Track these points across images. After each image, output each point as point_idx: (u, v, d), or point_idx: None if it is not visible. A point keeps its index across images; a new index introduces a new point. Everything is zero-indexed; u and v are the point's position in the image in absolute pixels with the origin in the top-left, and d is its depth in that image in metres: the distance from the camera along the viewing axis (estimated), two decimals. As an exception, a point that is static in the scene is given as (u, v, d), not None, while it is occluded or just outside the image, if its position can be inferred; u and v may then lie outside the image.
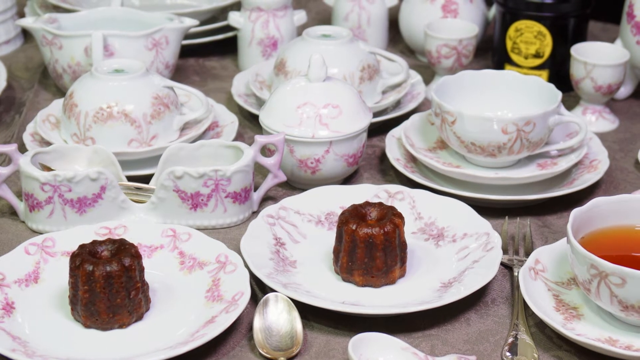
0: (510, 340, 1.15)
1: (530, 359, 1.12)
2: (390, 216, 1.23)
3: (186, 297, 1.22)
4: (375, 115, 1.59)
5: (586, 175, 1.44)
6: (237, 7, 1.94)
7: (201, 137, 1.53)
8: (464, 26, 1.73)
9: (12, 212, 1.40)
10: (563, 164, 1.43)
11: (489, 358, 1.14)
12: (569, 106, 1.67)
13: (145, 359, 1.09)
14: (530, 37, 1.71)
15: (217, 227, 1.37)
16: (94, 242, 1.18)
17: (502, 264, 1.30)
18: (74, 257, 1.16)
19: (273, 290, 1.20)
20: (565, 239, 1.23)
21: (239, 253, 1.26)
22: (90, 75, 1.48)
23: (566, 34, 1.71)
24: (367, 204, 1.26)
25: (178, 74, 1.82)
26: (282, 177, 1.41)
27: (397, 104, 1.66)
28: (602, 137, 1.61)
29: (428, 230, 1.34)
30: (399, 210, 1.32)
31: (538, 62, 1.72)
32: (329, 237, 1.31)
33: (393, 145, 1.50)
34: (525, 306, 1.21)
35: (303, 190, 1.42)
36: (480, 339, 1.17)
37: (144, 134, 1.46)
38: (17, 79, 1.80)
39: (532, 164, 1.46)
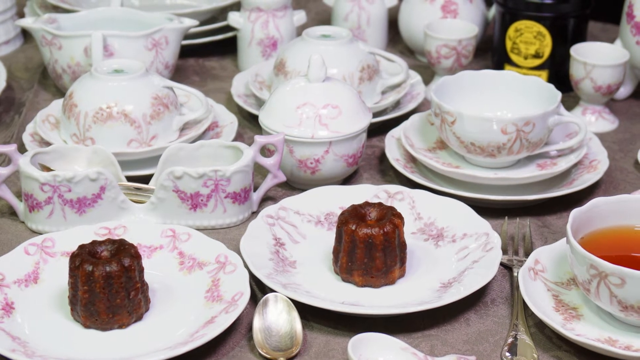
0: (509, 340, 1.15)
1: (529, 359, 1.12)
2: (389, 216, 1.23)
3: (186, 297, 1.22)
4: (375, 115, 1.59)
5: (586, 175, 1.44)
6: (236, 7, 1.94)
7: (201, 137, 1.53)
8: (463, 26, 1.73)
9: (12, 213, 1.40)
10: (563, 164, 1.43)
11: (488, 358, 1.14)
12: (568, 106, 1.67)
13: (145, 359, 1.09)
14: (529, 37, 1.71)
15: (217, 228, 1.37)
16: (94, 243, 1.18)
17: (501, 264, 1.30)
18: (73, 257, 1.16)
19: (273, 291, 1.20)
20: (564, 239, 1.23)
21: (239, 253, 1.26)
22: (89, 75, 1.48)
23: (566, 34, 1.71)
24: (367, 204, 1.26)
25: (178, 74, 1.82)
26: (282, 178, 1.41)
27: (397, 104, 1.66)
28: (602, 137, 1.61)
29: (428, 230, 1.34)
30: (399, 210, 1.31)
31: (538, 62, 1.72)
32: (329, 238, 1.31)
33: (392, 145, 1.50)
34: (525, 306, 1.21)
35: (303, 190, 1.42)
36: (479, 339, 1.17)
37: (143, 134, 1.46)
38: (17, 79, 1.79)
39: (532, 164, 1.46)
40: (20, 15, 1.99)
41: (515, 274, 1.27)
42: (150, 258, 1.27)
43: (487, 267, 1.23)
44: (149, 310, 1.20)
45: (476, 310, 1.22)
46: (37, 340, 1.14)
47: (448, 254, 1.30)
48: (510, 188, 1.44)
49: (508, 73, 1.51)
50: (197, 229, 1.35)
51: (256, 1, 1.75)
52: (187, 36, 1.85)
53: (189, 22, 1.69)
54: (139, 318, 1.18)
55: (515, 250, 1.32)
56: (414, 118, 1.54)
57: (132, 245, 1.18)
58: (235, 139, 1.55)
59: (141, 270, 1.18)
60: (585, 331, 1.15)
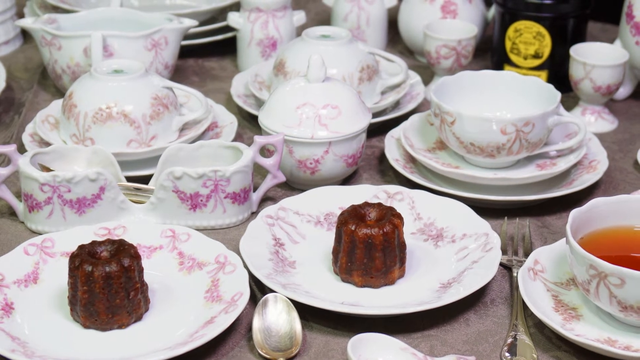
0: (509, 340, 1.15)
1: (529, 359, 1.12)
2: (389, 217, 1.23)
3: (185, 297, 1.22)
4: (375, 115, 1.59)
5: (585, 175, 1.44)
6: (236, 7, 1.94)
7: (200, 137, 1.53)
8: (463, 27, 1.73)
9: (12, 213, 1.40)
10: (562, 165, 1.43)
11: (488, 358, 1.14)
12: (568, 107, 1.67)
13: (145, 359, 1.09)
14: (529, 37, 1.71)
15: (217, 228, 1.37)
16: (93, 243, 1.18)
17: (501, 264, 1.30)
18: (73, 257, 1.16)
19: (272, 291, 1.20)
20: (564, 239, 1.23)
21: (238, 254, 1.26)
22: (89, 75, 1.48)
23: (565, 35, 1.71)
24: (366, 204, 1.26)
25: (177, 74, 1.82)
26: (282, 178, 1.41)
27: (396, 105, 1.66)
28: (601, 137, 1.61)
29: (427, 230, 1.34)
30: (398, 210, 1.32)
31: (537, 62, 1.72)
32: (328, 238, 1.31)
33: (392, 145, 1.50)
34: (525, 307, 1.21)
35: (302, 190, 1.42)
36: (479, 339, 1.17)
37: (143, 134, 1.46)
38: (17, 79, 1.80)
39: (531, 165, 1.46)
40: (20, 15, 1.99)
41: (514, 274, 1.27)
42: (150, 258, 1.27)
43: (486, 267, 1.23)
44: (148, 310, 1.20)
45: (476, 310, 1.22)
46: (36, 341, 1.14)
47: (447, 254, 1.30)
48: (510, 188, 1.44)
49: (507, 73, 1.51)
50: (197, 229, 1.35)
51: (256, 1, 1.75)
52: (187, 36, 1.85)
53: (189, 23, 1.69)
54: (138, 318, 1.18)
55: (515, 251, 1.32)
56: (413, 118, 1.54)
57: (131, 246, 1.18)
58: (234, 139, 1.55)
59: (141, 270, 1.18)
60: (585, 331, 1.15)
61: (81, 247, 1.17)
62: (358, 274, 1.23)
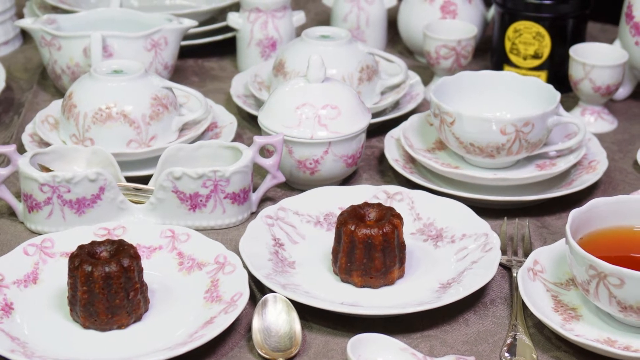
0: (509, 340, 1.15)
1: (528, 359, 1.12)
2: (389, 217, 1.23)
3: (185, 297, 1.22)
4: (374, 116, 1.59)
5: (585, 176, 1.44)
6: (236, 7, 1.94)
7: (200, 137, 1.53)
8: (462, 27, 1.73)
9: (11, 213, 1.40)
10: (562, 165, 1.43)
11: (487, 359, 1.14)
12: (567, 107, 1.67)
13: (144, 359, 1.09)
14: (529, 37, 1.71)
15: (216, 228, 1.37)
16: (93, 243, 1.18)
17: (500, 264, 1.30)
18: (72, 257, 1.16)
19: (272, 291, 1.20)
20: (564, 239, 1.23)
21: (238, 254, 1.26)
22: (89, 76, 1.48)
23: (565, 35, 1.71)
24: (366, 204, 1.26)
25: (177, 74, 1.82)
26: (281, 178, 1.41)
27: (396, 105, 1.66)
28: (601, 137, 1.61)
29: (427, 231, 1.34)
30: (398, 211, 1.32)
31: (537, 62, 1.73)
32: (328, 238, 1.31)
33: (392, 146, 1.50)
34: (524, 307, 1.21)
35: (302, 191, 1.42)
36: (479, 339, 1.17)
37: (142, 134, 1.46)
38: (16, 79, 1.80)
39: (531, 165, 1.46)
40: (20, 15, 1.99)
41: (514, 274, 1.27)
42: (150, 258, 1.27)
43: (486, 267, 1.23)
44: (148, 310, 1.20)
45: (475, 310, 1.22)
46: (36, 341, 1.14)
47: (447, 254, 1.30)
48: (510, 188, 1.44)
49: (507, 73, 1.51)
50: (197, 230, 1.35)
51: (255, 2, 1.75)
52: (187, 37, 1.85)
53: (188, 23, 1.69)
54: (138, 318, 1.18)
55: (515, 251, 1.32)
56: (413, 118, 1.54)
57: (131, 246, 1.18)
58: (234, 140, 1.55)
59: (140, 270, 1.18)
60: (585, 331, 1.15)
61: (81, 247, 1.17)
62: (357, 274, 1.23)
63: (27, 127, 1.52)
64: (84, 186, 1.32)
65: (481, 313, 1.22)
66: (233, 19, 1.78)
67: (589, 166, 1.46)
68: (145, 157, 1.46)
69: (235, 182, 1.35)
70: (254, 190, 1.42)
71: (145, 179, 1.44)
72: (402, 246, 1.24)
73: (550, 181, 1.46)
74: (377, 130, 1.62)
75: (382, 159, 1.56)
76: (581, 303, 1.20)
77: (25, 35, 1.96)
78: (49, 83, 1.77)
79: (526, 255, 1.31)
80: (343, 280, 1.25)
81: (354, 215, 1.24)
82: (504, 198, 1.39)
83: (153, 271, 1.25)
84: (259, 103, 1.64)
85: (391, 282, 1.24)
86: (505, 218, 1.38)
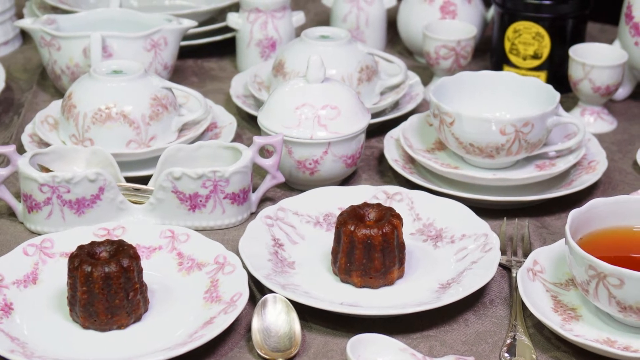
0: (508, 341, 1.15)
1: (528, 359, 1.12)
2: (388, 217, 1.23)
3: (185, 298, 1.22)
4: (374, 116, 1.59)
5: (584, 176, 1.44)
6: (235, 8, 1.94)
7: (200, 138, 1.53)
8: (462, 27, 1.73)
9: (11, 213, 1.40)
10: (561, 165, 1.43)
11: (487, 359, 1.14)
12: (567, 107, 1.67)
13: (144, 359, 1.09)
14: (528, 38, 1.71)
15: (216, 228, 1.37)
16: (93, 243, 1.18)
17: (500, 265, 1.30)
18: (72, 258, 1.16)
19: (271, 291, 1.20)
20: (563, 240, 1.23)
21: (238, 254, 1.26)
22: (88, 76, 1.48)
23: (564, 35, 1.71)
24: (366, 205, 1.26)
25: (176, 75, 1.82)
26: (281, 178, 1.41)
27: (396, 105, 1.66)
28: (601, 138, 1.61)
29: (426, 231, 1.34)
30: (398, 211, 1.32)
31: (536, 63, 1.73)
32: (328, 238, 1.31)
33: (391, 146, 1.50)
34: (524, 307, 1.21)
35: (301, 191, 1.42)
36: (478, 339, 1.18)
37: (142, 135, 1.46)
38: (16, 80, 1.80)
39: (531, 165, 1.46)
40: (19, 16, 1.99)
41: (514, 274, 1.27)
42: (149, 259, 1.27)
43: (485, 267, 1.23)
44: (147, 311, 1.20)
45: (475, 311, 1.22)
46: (36, 341, 1.14)
47: (447, 254, 1.30)
48: (509, 189, 1.44)
49: (507, 74, 1.51)
50: (196, 230, 1.35)
51: (255, 2, 1.75)
52: (186, 37, 1.85)
53: (188, 23, 1.69)
54: (137, 319, 1.18)
55: (514, 251, 1.32)
56: (412, 119, 1.54)
57: (130, 246, 1.18)
58: (234, 140, 1.55)
59: (140, 271, 1.18)
60: (584, 332, 1.15)
61: (80, 247, 1.17)
62: (357, 274, 1.23)
63: (27, 128, 1.52)
64: (83, 186, 1.32)
65: (481, 313, 1.22)
66: (233, 19, 1.78)
67: (589, 166, 1.46)
68: (145, 158, 1.46)
69: (235, 183, 1.35)
70: (254, 190, 1.42)
71: (144, 180, 1.44)
72: (401, 246, 1.24)
73: (549, 181, 1.46)
74: (376, 131, 1.62)
75: (381, 159, 1.56)
76: (581, 303, 1.20)
77: (24, 35, 1.96)
78: (48, 83, 1.77)
79: (526, 255, 1.31)
80: (342, 281, 1.25)
81: (353, 215, 1.24)
82: (503, 198, 1.39)
83: (153, 271, 1.25)
84: (259, 103, 1.64)
85: (391, 283, 1.24)
86: (505, 218, 1.38)
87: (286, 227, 1.33)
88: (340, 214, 1.24)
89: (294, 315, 1.16)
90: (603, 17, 2.07)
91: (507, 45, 1.73)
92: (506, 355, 1.13)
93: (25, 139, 1.50)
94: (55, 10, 1.91)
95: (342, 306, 1.17)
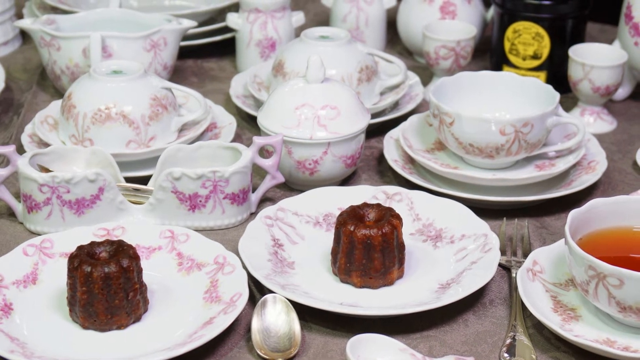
0: (508, 341, 1.15)
1: (528, 360, 1.13)
2: (388, 217, 1.23)
3: (184, 298, 1.22)
4: (374, 116, 1.59)
5: (584, 176, 1.44)
6: (235, 8, 1.94)
7: (199, 138, 1.53)
8: (462, 27, 1.73)
9: (11, 214, 1.40)
10: (561, 165, 1.43)
11: (487, 359, 1.14)
12: (567, 107, 1.67)
13: (144, 360, 1.09)
14: (528, 38, 1.71)
15: (215, 229, 1.37)
16: (92, 244, 1.18)
17: (500, 265, 1.30)
18: (72, 258, 1.16)
19: (271, 292, 1.20)
20: (563, 240, 1.23)
21: (237, 254, 1.26)
22: (88, 76, 1.48)
23: (564, 35, 1.71)
24: (365, 205, 1.26)
25: (176, 75, 1.82)
26: (280, 179, 1.41)
27: (395, 105, 1.66)
28: (600, 138, 1.61)
29: (426, 231, 1.34)
30: (397, 211, 1.32)
31: (536, 63, 1.73)
32: (327, 239, 1.31)
33: (391, 146, 1.50)
34: (523, 307, 1.21)
35: (301, 191, 1.42)
36: (478, 340, 1.18)
37: (142, 135, 1.46)
38: (16, 80, 1.80)
39: (530, 165, 1.46)
40: (19, 16, 1.99)
41: (513, 274, 1.27)
42: (149, 259, 1.27)
43: (485, 268, 1.23)
44: (147, 311, 1.20)
45: (474, 311, 1.22)
46: (35, 341, 1.14)
47: (446, 255, 1.30)
48: (509, 189, 1.44)
49: (506, 74, 1.51)
50: (196, 230, 1.35)
51: (255, 2, 1.75)
52: (186, 37, 1.85)
53: (188, 23, 1.69)
54: (137, 319, 1.18)
55: (514, 251, 1.32)
56: (412, 119, 1.54)
57: (130, 246, 1.18)
58: (233, 140, 1.55)
59: (140, 271, 1.18)
60: (584, 332, 1.15)
61: (80, 247, 1.17)
62: (357, 274, 1.23)
63: (27, 128, 1.52)
64: (83, 187, 1.32)
65: (480, 313, 1.22)
66: (232, 19, 1.78)
67: (588, 167, 1.46)
68: (145, 158, 1.46)
69: (235, 183, 1.35)
70: (254, 190, 1.42)
71: (144, 180, 1.44)
72: (401, 247, 1.24)
73: (549, 182, 1.46)
74: (376, 131, 1.62)
75: (381, 159, 1.56)
76: (580, 303, 1.20)
77: (24, 35, 1.96)
78: (48, 83, 1.77)
79: (525, 255, 1.31)
80: (342, 281, 1.25)
81: (353, 215, 1.24)
82: (503, 198, 1.39)
83: (152, 272, 1.25)
84: (258, 103, 1.64)
85: (390, 283, 1.24)
86: (505, 218, 1.38)
87: (286, 228, 1.33)
88: (340, 214, 1.24)
89: (294, 316, 1.16)
90: (603, 17, 2.07)
91: (507, 45, 1.73)
92: (506, 355, 1.13)
93: (25, 139, 1.50)
94: (55, 10, 1.91)
95: (342, 306, 1.17)
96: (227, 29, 1.89)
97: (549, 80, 1.72)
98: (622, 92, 1.73)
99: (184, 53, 1.88)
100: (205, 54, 1.91)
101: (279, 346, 1.14)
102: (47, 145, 1.49)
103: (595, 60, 1.59)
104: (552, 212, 1.42)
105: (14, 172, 1.35)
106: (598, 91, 1.60)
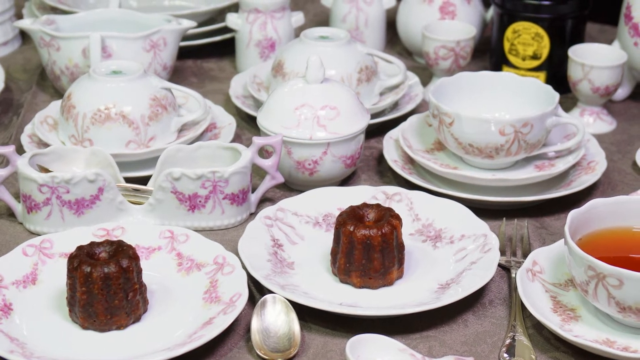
0: (507, 341, 1.15)
1: (527, 360, 1.13)
2: (387, 218, 1.23)
3: (184, 298, 1.22)
4: (373, 116, 1.59)
5: (584, 176, 1.44)
6: (234, 8, 1.94)
7: (199, 138, 1.53)
8: (461, 28, 1.73)
9: (10, 214, 1.40)
10: (560, 166, 1.43)
11: (486, 359, 1.14)
12: (566, 108, 1.67)
13: (143, 360, 1.09)
14: (527, 38, 1.71)
15: (215, 229, 1.37)
16: (92, 244, 1.18)
17: (499, 265, 1.30)
18: (71, 258, 1.16)
19: (271, 292, 1.20)
20: (562, 240, 1.23)
21: (237, 254, 1.26)
22: (88, 76, 1.48)
23: (564, 36, 1.71)
24: (365, 205, 1.26)
25: (176, 75, 1.82)
26: (280, 179, 1.41)
27: (395, 106, 1.66)
28: (600, 138, 1.61)
29: (426, 231, 1.34)
30: (397, 211, 1.32)
31: (535, 63, 1.73)
32: (327, 239, 1.31)
33: (391, 146, 1.50)
34: (523, 307, 1.21)
35: (301, 191, 1.42)
36: (477, 340, 1.18)
37: (141, 135, 1.46)
38: (15, 80, 1.80)
39: (530, 166, 1.46)
40: (19, 16, 1.99)
41: (513, 275, 1.27)
42: (149, 259, 1.27)
43: (485, 268, 1.23)
44: (147, 311, 1.20)
45: (474, 311, 1.22)
46: (35, 342, 1.14)
47: (446, 255, 1.30)
48: (508, 189, 1.44)
49: (506, 74, 1.51)
50: (195, 230, 1.35)
51: (254, 2, 1.75)
52: (185, 37, 1.85)
53: (187, 24, 1.69)
54: (137, 319, 1.18)
55: (513, 252, 1.32)
56: (412, 119, 1.54)
57: (130, 247, 1.18)
58: (233, 140, 1.55)
59: (139, 271, 1.18)
60: (583, 332, 1.15)
61: (80, 248, 1.17)
62: (356, 274, 1.23)
63: (26, 128, 1.52)
64: (83, 187, 1.32)
65: (480, 314, 1.22)
66: (232, 19, 1.78)
67: (588, 167, 1.46)
68: (144, 158, 1.46)
69: (234, 183, 1.35)
70: (253, 191, 1.42)
71: (144, 180, 1.44)
72: (401, 247, 1.24)
73: (549, 182, 1.46)
74: (376, 131, 1.62)
75: (381, 159, 1.56)
76: (580, 304, 1.20)
77: (24, 36, 1.96)
78: (48, 84, 1.77)
79: (525, 255, 1.31)
80: (342, 281, 1.25)
81: (352, 216, 1.24)
82: (502, 199, 1.39)
83: (152, 272, 1.25)
84: (258, 104, 1.64)
85: (390, 283, 1.24)
86: (504, 219, 1.38)
87: (285, 228, 1.33)
88: (340, 215, 1.24)
89: (293, 316, 1.16)
90: (602, 18, 2.07)
91: (507, 45, 1.73)
92: (505, 355, 1.13)
93: (24, 139, 1.50)
94: (55, 10, 1.91)
95: (342, 306, 1.17)
96: (226, 29, 1.89)
97: (548, 81, 1.72)
98: (621, 93, 1.73)
99: (184, 53, 1.88)
100: (204, 54, 1.91)
101: (278, 346, 1.14)
102: (46, 145, 1.49)
103: (594, 60, 1.59)
104: (551, 213, 1.42)
105: (13, 172, 1.35)
106: (597, 91, 1.60)
